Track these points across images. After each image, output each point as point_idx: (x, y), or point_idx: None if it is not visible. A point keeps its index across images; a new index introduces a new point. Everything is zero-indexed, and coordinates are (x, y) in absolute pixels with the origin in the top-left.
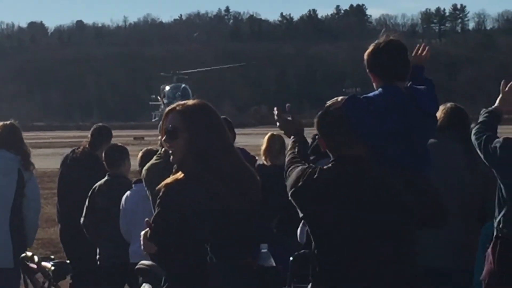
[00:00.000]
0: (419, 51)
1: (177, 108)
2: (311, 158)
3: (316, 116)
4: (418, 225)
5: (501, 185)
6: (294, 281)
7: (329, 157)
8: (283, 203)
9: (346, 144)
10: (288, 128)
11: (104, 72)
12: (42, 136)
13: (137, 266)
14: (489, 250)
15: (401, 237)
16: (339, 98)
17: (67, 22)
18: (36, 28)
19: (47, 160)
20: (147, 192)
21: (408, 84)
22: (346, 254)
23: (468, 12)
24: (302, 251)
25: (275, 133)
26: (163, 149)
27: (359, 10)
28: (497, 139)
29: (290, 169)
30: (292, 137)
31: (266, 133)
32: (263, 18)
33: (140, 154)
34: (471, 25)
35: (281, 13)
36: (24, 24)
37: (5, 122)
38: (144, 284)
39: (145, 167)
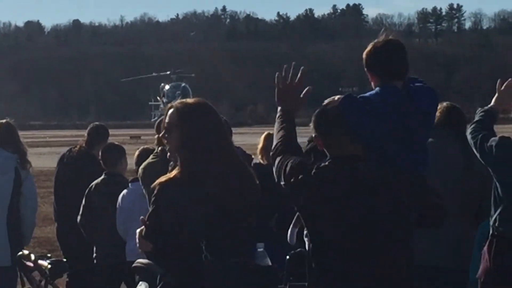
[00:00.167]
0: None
1: (176, 105)
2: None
3: (313, 115)
4: (416, 225)
5: (497, 184)
6: (291, 279)
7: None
8: (280, 201)
9: (342, 143)
10: (289, 99)
11: (101, 71)
12: (39, 135)
13: (133, 265)
14: (485, 248)
15: (399, 237)
16: (336, 97)
17: (64, 21)
18: (33, 27)
19: (44, 158)
20: (144, 190)
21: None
22: (341, 253)
23: (465, 12)
24: (298, 249)
25: (271, 132)
26: (159, 148)
27: (355, 10)
28: (493, 138)
29: (284, 156)
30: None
31: (263, 132)
32: (259, 17)
33: (136, 153)
34: (468, 24)
35: (278, 13)
36: (21, 23)
37: (2, 121)
38: (140, 283)
39: (142, 166)
